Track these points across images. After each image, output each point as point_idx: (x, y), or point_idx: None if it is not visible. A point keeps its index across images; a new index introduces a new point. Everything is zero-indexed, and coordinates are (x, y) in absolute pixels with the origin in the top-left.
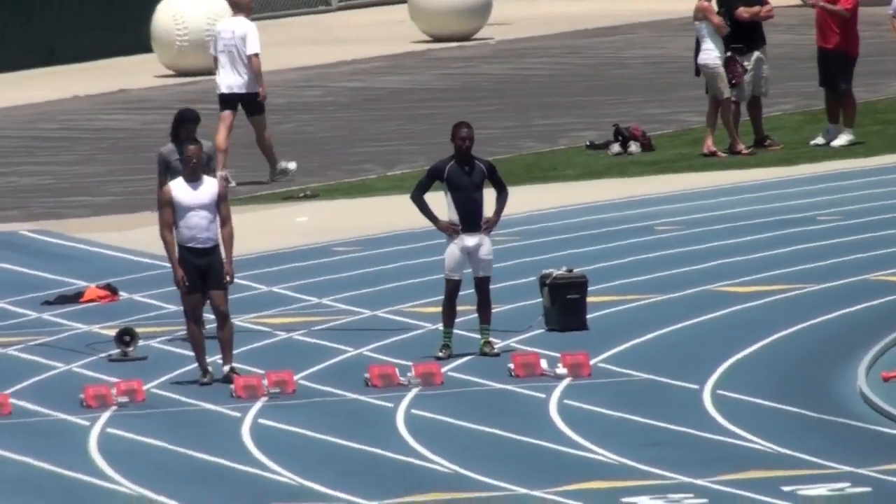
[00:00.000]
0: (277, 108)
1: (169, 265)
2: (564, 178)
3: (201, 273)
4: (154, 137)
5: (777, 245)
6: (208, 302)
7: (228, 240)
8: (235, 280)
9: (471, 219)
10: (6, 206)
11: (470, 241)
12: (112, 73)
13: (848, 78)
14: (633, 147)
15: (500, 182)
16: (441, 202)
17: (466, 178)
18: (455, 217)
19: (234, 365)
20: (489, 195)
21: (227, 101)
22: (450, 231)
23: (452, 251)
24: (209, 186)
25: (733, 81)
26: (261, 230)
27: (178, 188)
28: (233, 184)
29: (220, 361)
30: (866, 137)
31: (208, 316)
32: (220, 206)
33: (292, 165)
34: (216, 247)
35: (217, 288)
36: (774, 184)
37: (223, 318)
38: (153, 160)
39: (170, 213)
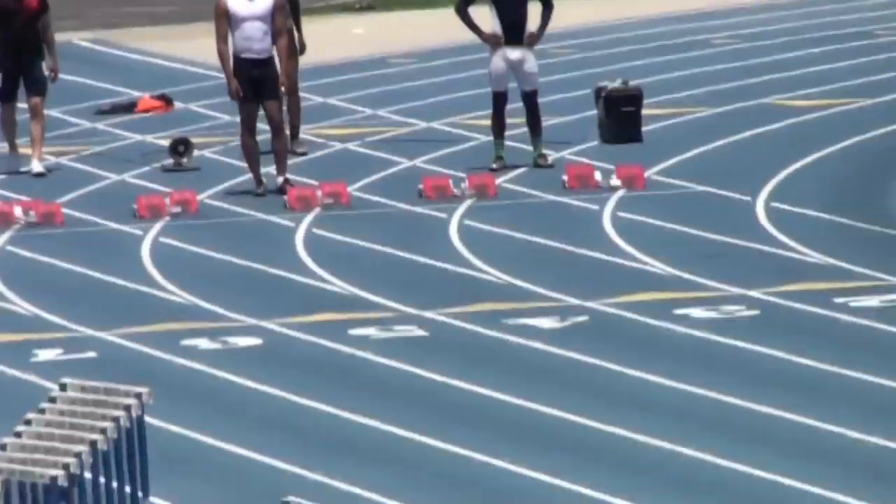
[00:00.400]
0: None
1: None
2: None
3: (256, 83)
4: None
5: (832, 59)
6: (263, 113)
7: (284, 51)
8: (282, 90)
9: (514, 31)
10: (62, 15)
11: (513, 53)
12: None
13: None
14: None
15: None
16: (486, 15)
17: None
18: (499, 29)
19: (289, 176)
20: (535, 9)
21: None
22: (493, 42)
23: (496, 63)
24: None
25: None
26: (317, 42)
27: (234, 0)
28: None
29: (275, 172)
30: None
31: (263, 127)
32: (276, 17)
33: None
34: (271, 58)
35: (271, 98)
36: None
37: (277, 128)
38: None
39: (225, 23)
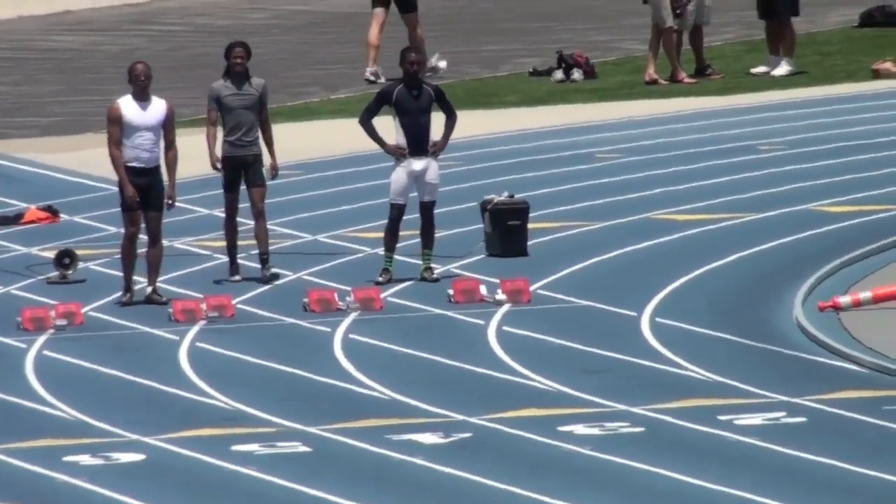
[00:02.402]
0: (221, 30)
1: (113, 186)
2: (507, 105)
3: (142, 192)
4: (99, 58)
5: (717, 174)
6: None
7: (173, 163)
8: (177, 203)
9: (419, 142)
10: None
11: (417, 164)
12: None
13: (795, 7)
14: (576, 74)
15: (449, 106)
16: (389, 126)
17: (414, 101)
18: (403, 141)
19: (158, 285)
20: (437, 119)
21: None
22: (398, 154)
23: (399, 175)
24: (157, 107)
25: (677, 11)
26: (204, 153)
27: (127, 107)
28: (382, 80)
29: (145, 282)
30: (806, 68)
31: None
32: (167, 128)
33: (443, 64)
34: (158, 167)
35: (155, 209)
36: (715, 112)
37: (155, 239)
38: (98, 81)
39: (118, 129)
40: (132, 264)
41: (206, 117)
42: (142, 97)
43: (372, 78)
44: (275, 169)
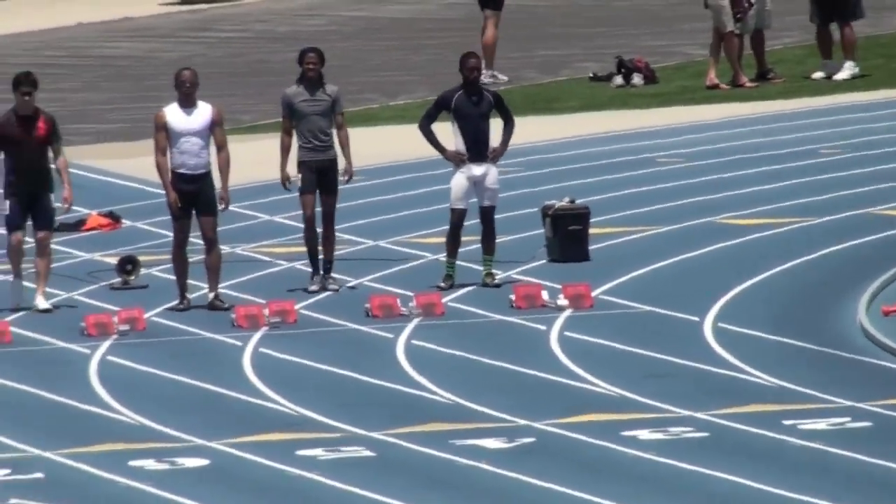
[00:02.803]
0: (280, 36)
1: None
2: (567, 110)
3: (189, 199)
4: (157, 66)
5: (779, 178)
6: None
7: (224, 166)
8: (236, 208)
9: (477, 148)
10: None
11: (477, 170)
12: (117, 1)
13: (856, 9)
14: (636, 79)
15: (508, 112)
16: (448, 132)
17: (474, 107)
18: (462, 146)
19: (220, 291)
20: (496, 125)
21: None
22: (457, 160)
23: (459, 180)
24: (203, 112)
25: (738, 15)
26: (263, 159)
27: (172, 113)
28: (504, 78)
29: (206, 288)
30: (869, 71)
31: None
32: (215, 131)
33: (503, 77)
34: (207, 173)
35: (206, 214)
36: (777, 117)
37: (211, 244)
38: (156, 88)
39: (164, 136)
40: (185, 271)
41: (280, 126)
42: (187, 103)
43: (489, 80)
44: (349, 173)
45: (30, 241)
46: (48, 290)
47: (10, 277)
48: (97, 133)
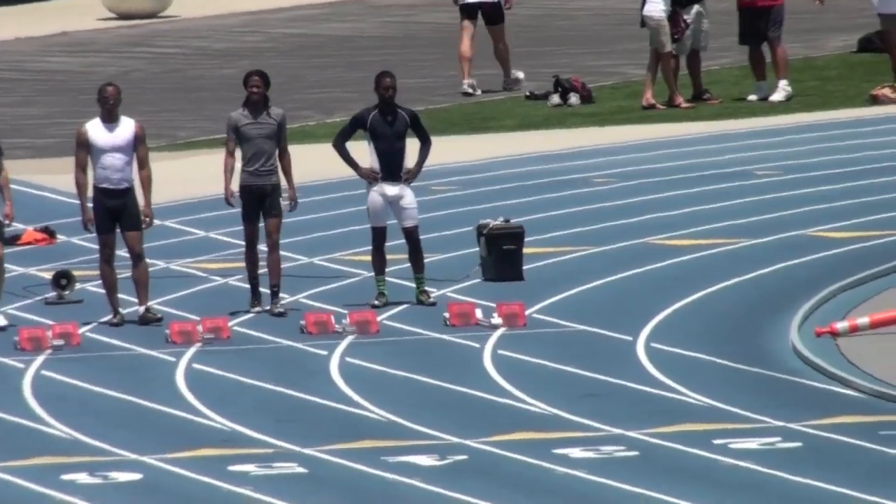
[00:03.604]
0: (217, 53)
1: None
2: (503, 129)
3: (113, 214)
4: (95, 80)
5: (714, 199)
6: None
7: (147, 182)
8: (172, 224)
9: (392, 168)
10: None
11: (391, 190)
12: (55, 15)
13: (778, 29)
14: (573, 98)
15: (424, 132)
16: (365, 151)
17: (389, 127)
18: (376, 165)
19: (150, 304)
20: (414, 145)
21: (468, 10)
22: (370, 178)
23: (374, 198)
24: (126, 128)
25: (675, 36)
26: (199, 175)
27: (95, 129)
28: (478, 93)
29: (136, 302)
30: (805, 92)
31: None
32: (138, 148)
33: (521, 74)
34: (130, 188)
35: (131, 229)
36: (712, 138)
37: (138, 258)
38: (94, 103)
39: (85, 153)
40: (114, 286)
41: (224, 147)
42: (109, 119)
43: (469, 90)
44: (293, 200)
45: None
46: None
47: None
48: (33, 148)
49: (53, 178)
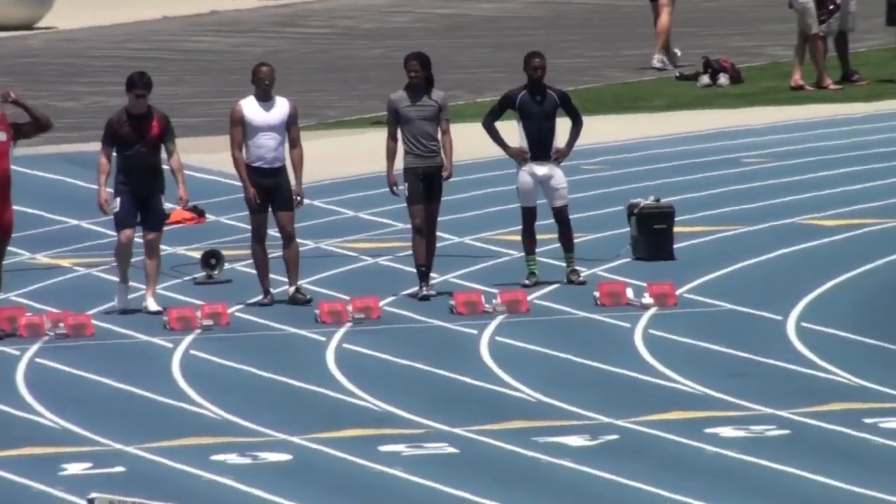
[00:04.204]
0: (366, 33)
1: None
2: (652, 109)
3: (266, 193)
4: (242, 60)
5: (863, 179)
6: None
7: (298, 161)
8: (321, 204)
9: (541, 147)
10: (94, 125)
11: (540, 169)
12: None
13: None
14: (722, 79)
15: (575, 112)
16: (515, 131)
17: (537, 107)
18: (525, 145)
19: (300, 284)
20: (565, 125)
21: None
22: (519, 157)
23: (523, 178)
24: (280, 107)
25: (822, 17)
26: (348, 155)
27: (250, 108)
28: (670, 67)
29: (287, 283)
30: None
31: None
32: (291, 127)
33: (678, 51)
34: (282, 168)
35: (283, 209)
36: (861, 119)
37: (289, 238)
38: (241, 83)
39: (240, 131)
40: (266, 266)
41: (386, 132)
42: (264, 98)
43: (659, 66)
44: (448, 172)
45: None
46: (159, 290)
47: (116, 279)
48: (181, 127)
49: (202, 157)
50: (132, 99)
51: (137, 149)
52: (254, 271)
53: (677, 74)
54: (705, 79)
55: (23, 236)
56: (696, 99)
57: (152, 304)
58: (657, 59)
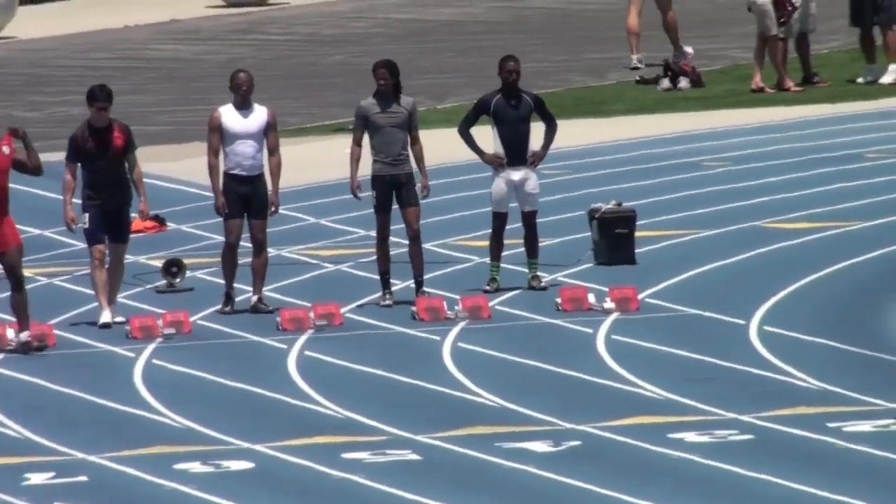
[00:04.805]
0: (327, 39)
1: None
2: (614, 113)
3: (244, 200)
4: (205, 68)
5: (825, 182)
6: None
7: (276, 169)
8: (282, 211)
9: (516, 152)
10: (57, 135)
11: (515, 174)
12: (165, 3)
13: (889, 11)
14: (683, 82)
15: (549, 115)
16: (489, 136)
17: (513, 111)
18: (501, 150)
19: (264, 294)
20: (537, 129)
21: None
22: (496, 164)
23: (498, 185)
24: (259, 115)
25: (782, 19)
26: (310, 161)
27: (228, 115)
28: (641, 67)
29: (251, 290)
30: None
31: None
32: (269, 135)
33: (690, 49)
34: (261, 175)
35: (258, 217)
36: (822, 121)
37: (260, 247)
38: (203, 90)
39: (217, 137)
40: (233, 273)
41: (352, 137)
42: (243, 105)
43: (639, 65)
44: (426, 188)
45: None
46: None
47: (78, 288)
48: (144, 136)
49: (164, 165)
50: (94, 112)
51: (102, 162)
52: (216, 279)
53: (637, 78)
54: (666, 82)
55: None
56: (656, 103)
57: (106, 316)
58: (635, 59)
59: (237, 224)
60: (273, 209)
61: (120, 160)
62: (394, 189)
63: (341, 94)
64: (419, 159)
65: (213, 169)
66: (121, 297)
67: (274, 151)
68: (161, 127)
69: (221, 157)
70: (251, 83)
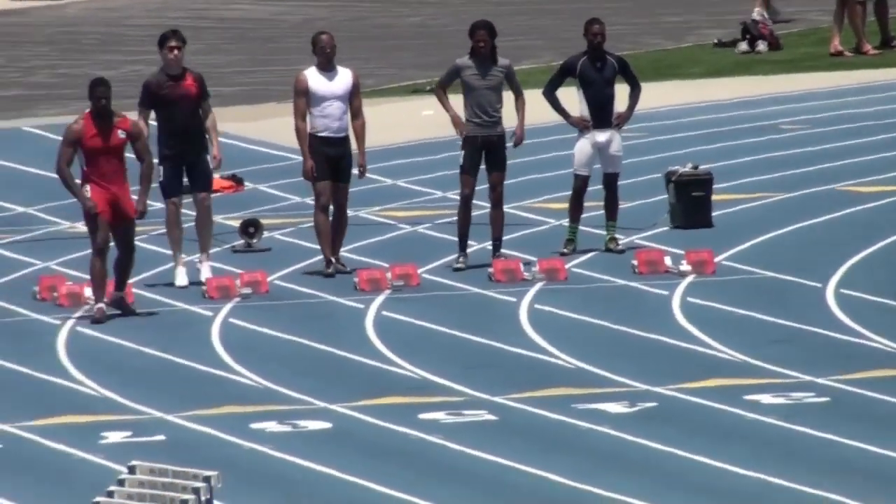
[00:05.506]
0: (405, 0)
1: (298, 156)
2: (691, 76)
3: (333, 162)
4: (280, 28)
5: None
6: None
7: (361, 131)
8: (354, 171)
9: (602, 114)
10: (131, 94)
11: (601, 136)
12: None
13: None
14: (761, 45)
15: (633, 78)
16: (574, 98)
17: (598, 73)
18: (586, 112)
19: (341, 256)
20: (621, 91)
21: None
22: (581, 126)
23: (583, 146)
24: (344, 77)
25: None
26: (387, 123)
27: (314, 78)
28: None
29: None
30: None
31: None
32: (353, 97)
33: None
34: (347, 137)
35: (344, 180)
36: None
37: (341, 210)
38: (278, 51)
39: (304, 101)
40: (328, 236)
41: (438, 86)
42: (327, 67)
43: (758, 18)
44: (520, 140)
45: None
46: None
47: (169, 252)
48: (219, 96)
49: (241, 125)
50: (166, 55)
51: (178, 109)
52: (291, 239)
53: (715, 41)
54: (743, 45)
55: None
56: (734, 66)
57: (206, 271)
58: (756, 12)
59: (327, 186)
60: (362, 170)
61: (194, 108)
62: (484, 150)
63: (417, 55)
64: (521, 114)
65: (300, 132)
66: (193, 258)
67: (358, 114)
68: (236, 87)
69: (308, 119)
70: (334, 44)
